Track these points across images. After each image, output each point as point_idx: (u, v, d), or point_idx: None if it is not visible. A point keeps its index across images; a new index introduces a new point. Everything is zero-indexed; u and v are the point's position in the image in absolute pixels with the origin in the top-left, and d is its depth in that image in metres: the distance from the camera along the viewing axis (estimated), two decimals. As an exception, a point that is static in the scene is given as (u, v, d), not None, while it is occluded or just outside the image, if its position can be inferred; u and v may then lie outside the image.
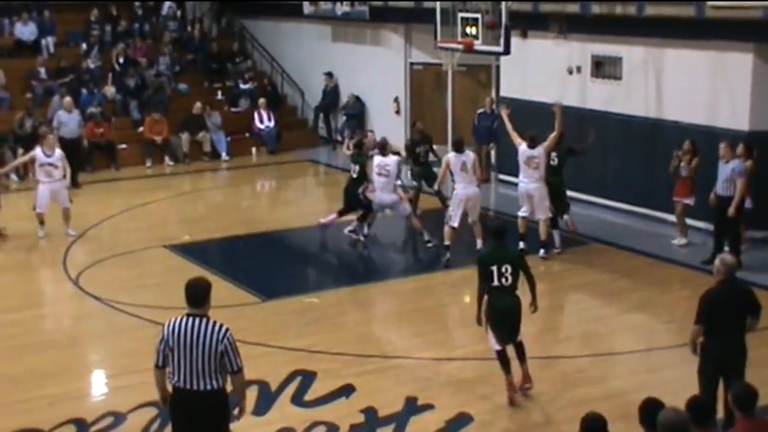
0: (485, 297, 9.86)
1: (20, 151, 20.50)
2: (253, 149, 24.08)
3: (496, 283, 9.76)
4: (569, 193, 15.92)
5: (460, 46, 16.78)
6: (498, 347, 9.91)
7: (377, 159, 15.44)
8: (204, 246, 16.08)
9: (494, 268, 9.74)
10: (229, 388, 7.50)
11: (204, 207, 19.85)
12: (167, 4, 27.20)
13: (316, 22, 24.94)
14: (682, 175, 14.94)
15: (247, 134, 24.22)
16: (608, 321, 12.62)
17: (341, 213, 16.06)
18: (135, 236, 16.70)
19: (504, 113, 15.52)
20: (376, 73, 23.62)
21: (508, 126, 15.20)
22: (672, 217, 15.63)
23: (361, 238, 15.76)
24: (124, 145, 22.82)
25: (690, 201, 14.98)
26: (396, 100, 23.07)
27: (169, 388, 7.47)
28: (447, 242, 14.62)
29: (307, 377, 10.51)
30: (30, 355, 11.43)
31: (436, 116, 22.26)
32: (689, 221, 15.49)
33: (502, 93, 20.12)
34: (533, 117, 18.46)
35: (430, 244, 15.31)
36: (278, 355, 11.29)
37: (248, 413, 9.65)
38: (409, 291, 13.92)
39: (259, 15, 27.56)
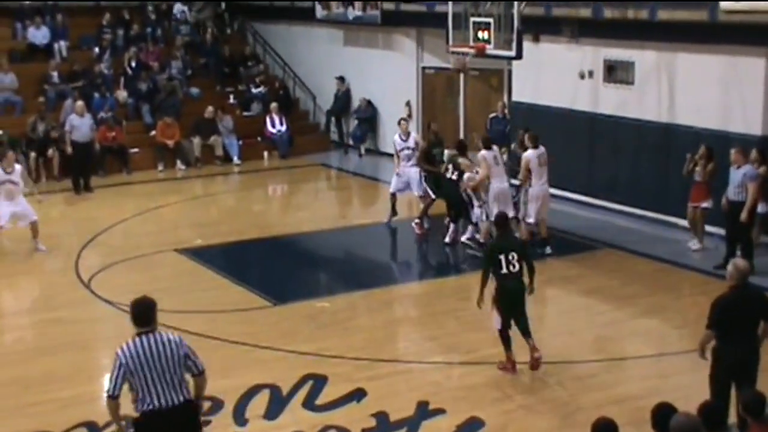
0: (495, 283, 10.64)
1: (32, 155, 20.59)
2: (265, 153, 24.11)
3: (504, 270, 10.55)
4: (581, 198, 15.87)
5: (472, 51, 16.79)
6: (500, 326, 10.68)
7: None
8: (216, 250, 16.10)
9: (503, 257, 10.54)
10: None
11: (216, 211, 19.89)
12: (179, 7, 27.27)
13: (328, 26, 24.98)
14: (697, 180, 14.92)
15: (258, 138, 24.26)
16: (620, 326, 12.61)
17: (454, 220, 15.77)
18: (147, 240, 16.74)
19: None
20: (388, 77, 23.64)
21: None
22: (684, 222, 15.61)
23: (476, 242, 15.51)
24: (136, 149, 22.89)
25: (708, 204, 14.90)
26: (408, 104, 23.10)
27: (135, 414, 7.36)
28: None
29: (319, 381, 10.53)
30: (42, 358, 11.49)
31: (448, 120, 22.29)
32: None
33: (515, 98, 20.13)
34: (545, 121, 18.50)
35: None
36: (289, 359, 11.31)
37: (260, 417, 9.75)
38: (420, 295, 13.96)
39: (271, 19, 27.62)
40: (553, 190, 15.80)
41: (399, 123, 17.55)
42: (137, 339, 7.21)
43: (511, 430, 9.60)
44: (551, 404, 10.05)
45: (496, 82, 21.61)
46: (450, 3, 17.39)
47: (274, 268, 15.21)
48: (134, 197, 20.18)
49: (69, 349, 11.78)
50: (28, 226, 15.82)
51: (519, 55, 16.28)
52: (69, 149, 20.31)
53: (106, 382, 7.42)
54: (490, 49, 16.48)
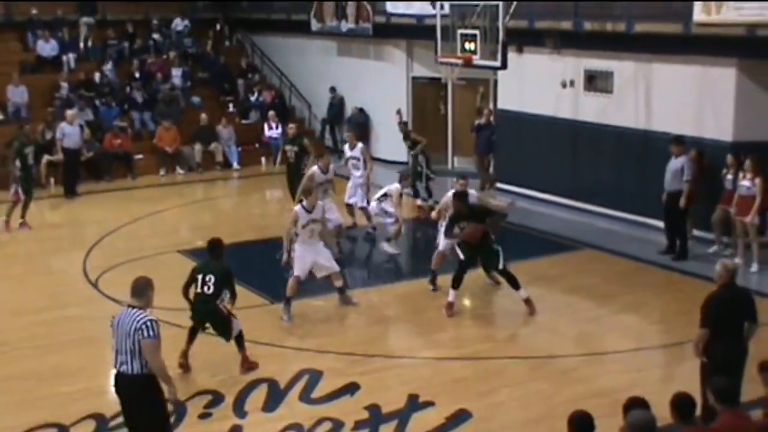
0: None
1: (43, 161, 20.58)
2: (263, 159, 24.16)
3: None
4: (564, 201, 15.85)
5: (460, 61, 16.85)
6: None
7: None
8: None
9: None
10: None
11: (216, 214, 19.89)
12: (180, 22, 27.30)
13: (323, 38, 25.03)
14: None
15: (257, 145, 24.30)
16: (600, 322, 12.65)
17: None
18: (151, 242, 16.77)
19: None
20: (380, 86, 23.70)
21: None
22: (661, 223, 15.68)
23: None
24: (140, 155, 22.94)
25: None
26: (398, 112, 23.11)
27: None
28: None
29: (314, 376, 10.58)
30: (53, 353, 11.53)
31: (437, 127, 22.37)
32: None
33: (500, 105, 20.20)
34: (529, 128, 18.59)
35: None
36: (287, 354, 11.36)
37: (259, 410, 9.79)
38: (410, 294, 13.95)
39: (268, 31, 27.67)
40: (537, 194, 15.86)
41: (345, 136, 17.83)
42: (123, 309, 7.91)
43: (497, 421, 9.65)
44: (535, 396, 10.10)
45: (483, 90, 21.69)
46: (438, 16, 17.46)
47: (272, 269, 15.20)
48: (139, 201, 20.21)
49: (78, 345, 11.81)
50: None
51: (504, 66, 16.34)
52: (60, 155, 20.36)
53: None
54: (476, 60, 16.54)
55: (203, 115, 23.64)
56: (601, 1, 17.13)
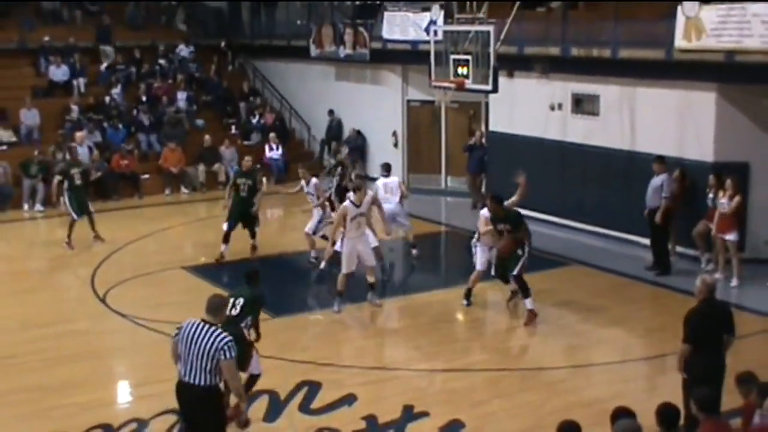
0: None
1: (55, 181, 20.50)
2: (264, 179, 24.07)
3: None
4: (553, 219, 15.88)
5: (453, 85, 16.89)
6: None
7: None
8: (219, 267, 16.10)
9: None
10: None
11: (219, 232, 19.69)
12: (185, 47, 27.36)
13: (321, 63, 25.09)
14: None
15: (258, 166, 24.24)
16: (588, 335, 12.65)
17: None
18: (156, 258, 16.75)
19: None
20: (376, 109, 23.74)
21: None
22: (646, 240, 15.69)
23: None
24: (146, 176, 22.95)
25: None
26: (394, 134, 23.19)
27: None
28: None
29: (313, 387, 10.55)
30: (61, 366, 11.48)
31: (431, 148, 22.40)
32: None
33: (491, 128, 20.24)
34: (519, 149, 18.61)
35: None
36: (287, 367, 11.31)
37: (260, 420, 9.76)
38: (405, 308, 13.94)
39: (269, 57, 27.72)
40: (527, 212, 15.77)
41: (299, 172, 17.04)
42: (194, 321, 7.81)
43: (489, 431, 9.63)
44: (525, 407, 10.08)
45: (475, 113, 21.74)
46: (432, 42, 17.52)
47: (272, 284, 15.15)
48: (145, 220, 20.18)
49: (86, 358, 11.77)
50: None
51: (495, 89, 16.36)
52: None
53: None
54: (468, 84, 16.57)
55: (207, 137, 23.71)
56: (588, 27, 17.20)
